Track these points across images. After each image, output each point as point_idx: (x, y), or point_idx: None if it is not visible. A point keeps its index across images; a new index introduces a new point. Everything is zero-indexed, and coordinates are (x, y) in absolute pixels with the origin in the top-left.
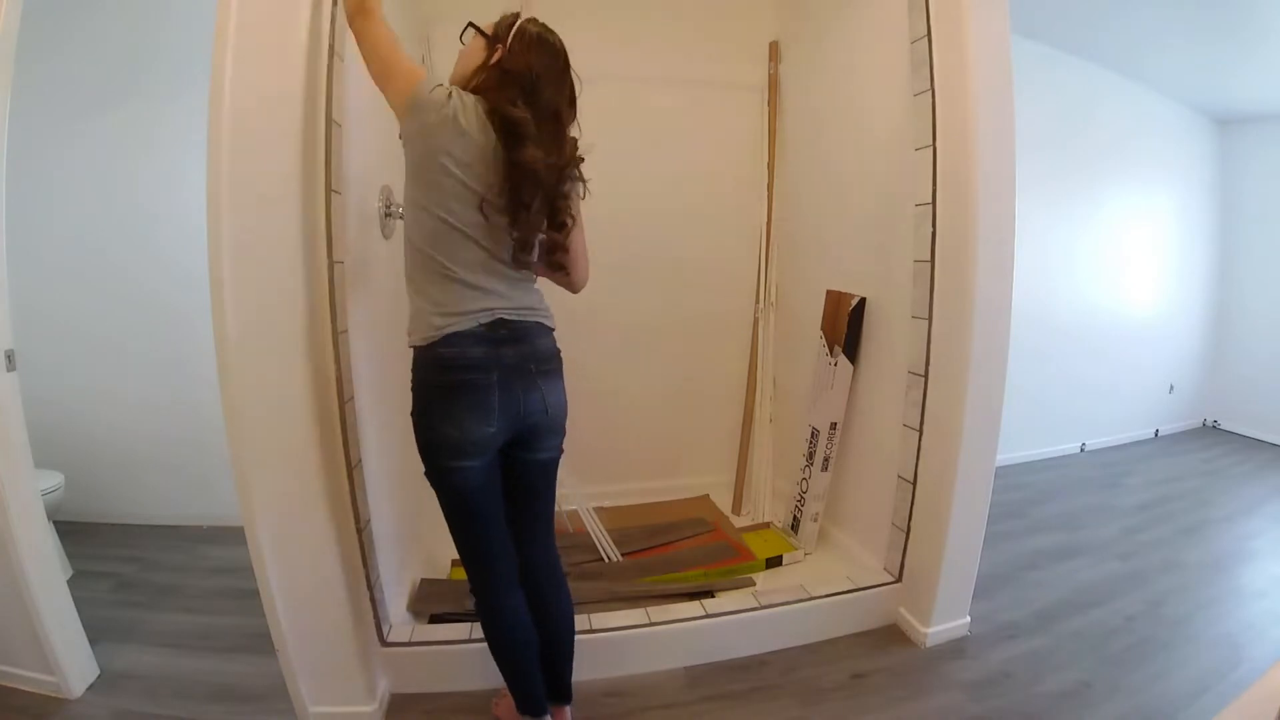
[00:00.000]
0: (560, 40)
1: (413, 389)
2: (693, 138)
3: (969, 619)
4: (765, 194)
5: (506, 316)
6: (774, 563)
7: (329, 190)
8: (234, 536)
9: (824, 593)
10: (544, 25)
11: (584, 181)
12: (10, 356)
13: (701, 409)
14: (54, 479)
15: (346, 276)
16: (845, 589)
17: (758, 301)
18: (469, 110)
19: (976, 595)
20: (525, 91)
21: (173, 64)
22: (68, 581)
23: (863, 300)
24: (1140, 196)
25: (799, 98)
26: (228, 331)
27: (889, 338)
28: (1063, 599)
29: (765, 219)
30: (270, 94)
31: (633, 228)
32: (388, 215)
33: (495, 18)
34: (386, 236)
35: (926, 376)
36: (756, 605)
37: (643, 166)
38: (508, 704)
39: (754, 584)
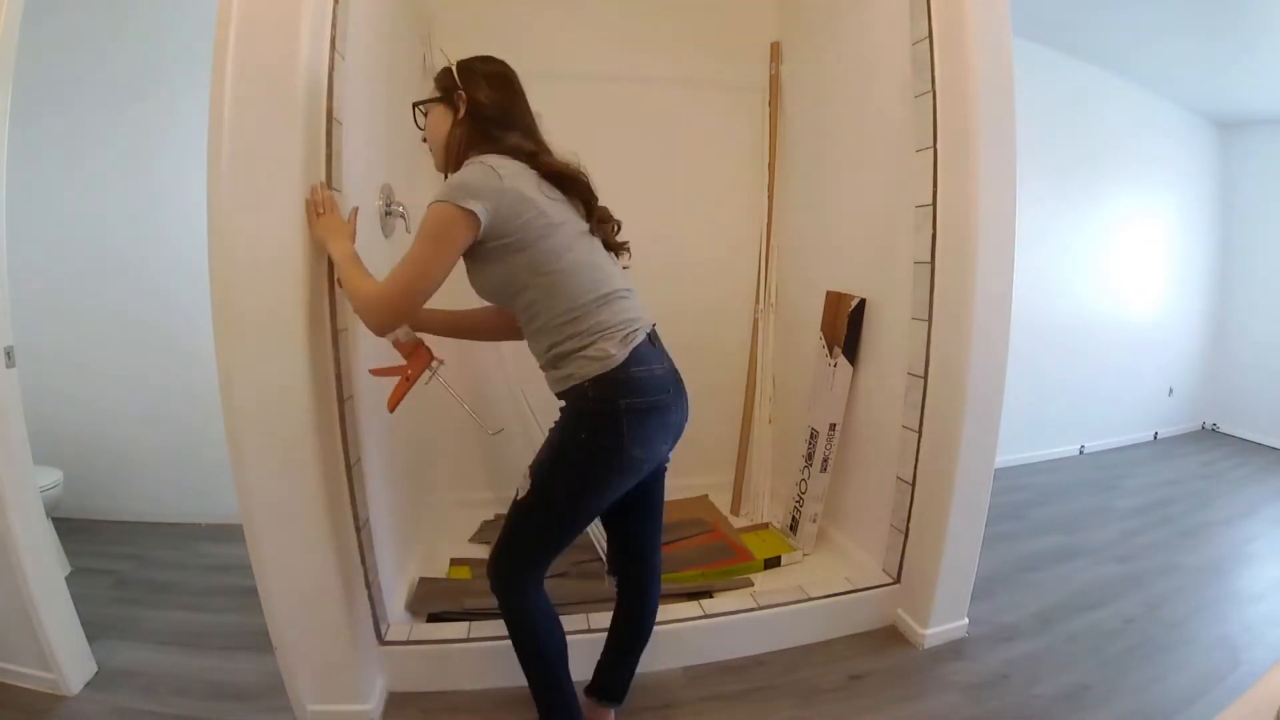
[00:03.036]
0: (494, 58)
1: (593, 415)
2: (694, 138)
3: (967, 620)
4: (766, 194)
5: (649, 328)
6: (772, 563)
7: (329, 189)
8: (232, 534)
9: (822, 594)
10: (473, 56)
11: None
12: (10, 353)
13: (700, 409)
14: (53, 476)
15: None
16: (844, 590)
17: (757, 302)
18: (505, 164)
19: (975, 597)
20: (502, 123)
21: (183, 62)
22: (66, 579)
23: (863, 301)
24: (1141, 199)
25: (800, 99)
26: (227, 329)
27: (889, 339)
28: (1061, 601)
29: (765, 219)
30: (271, 92)
31: (633, 228)
32: (388, 214)
33: (443, 69)
34: (386, 235)
35: (926, 378)
36: (755, 606)
37: (643, 167)
38: None
39: (752, 584)
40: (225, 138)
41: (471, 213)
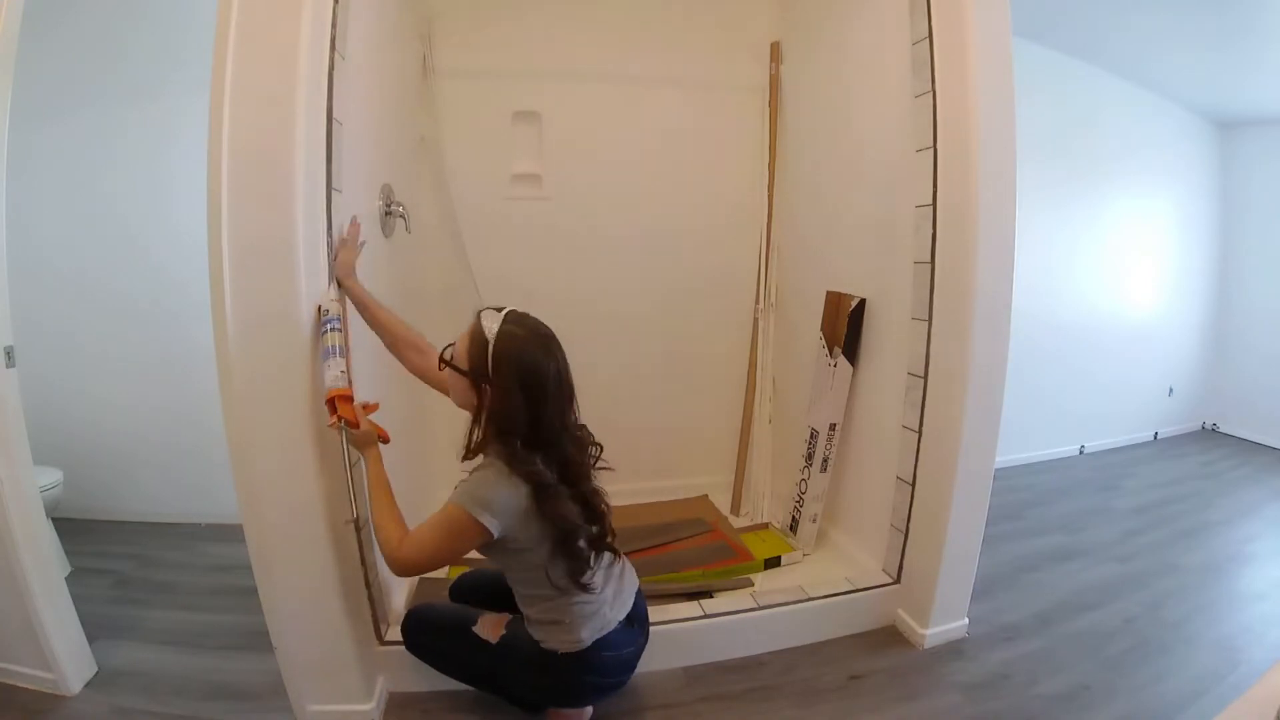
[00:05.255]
0: (538, 331)
1: (556, 672)
2: (693, 138)
3: (967, 621)
4: (765, 195)
5: (632, 609)
6: (772, 563)
7: (330, 188)
8: (232, 534)
9: (822, 594)
10: (518, 322)
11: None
12: (10, 353)
13: (700, 409)
14: (53, 476)
15: None
16: (843, 590)
17: (757, 302)
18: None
19: (975, 597)
20: (528, 441)
21: (198, 61)
22: (66, 578)
23: (863, 301)
24: (1141, 199)
25: (800, 99)
26: (227, 330)
27: (889, 339)
28: (1061, 601)
29: (765, 219)
30: (271, 91)
31: (633, 227)
32: (388, 214)
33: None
34: (386, 235)
35: (926, 378)
36: (755, 606)
37: (643, 167)
38: None
39: (752, 584)
40: (225, 137)
41: (484, 526)
